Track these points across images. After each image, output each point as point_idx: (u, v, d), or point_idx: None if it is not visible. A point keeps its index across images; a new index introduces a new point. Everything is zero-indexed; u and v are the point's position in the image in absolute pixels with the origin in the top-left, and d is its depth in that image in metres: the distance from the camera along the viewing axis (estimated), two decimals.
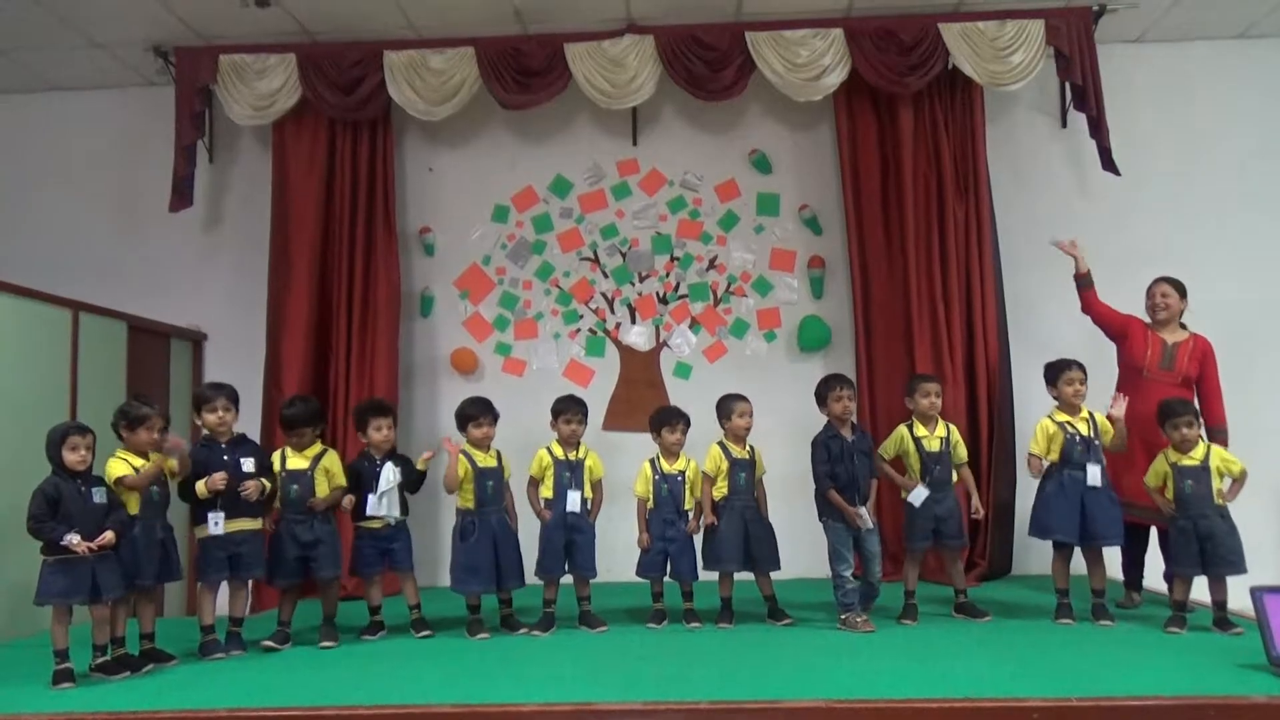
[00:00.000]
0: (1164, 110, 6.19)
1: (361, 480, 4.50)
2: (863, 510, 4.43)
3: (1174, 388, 4.76)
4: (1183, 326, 4.98)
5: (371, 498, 4.42)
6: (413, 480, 4.61)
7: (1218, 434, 4.76)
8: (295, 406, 4.58)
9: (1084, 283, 5.16)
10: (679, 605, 4.62)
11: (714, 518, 4.59)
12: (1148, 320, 5.01)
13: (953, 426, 4.75)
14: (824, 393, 4.62)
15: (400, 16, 5.80)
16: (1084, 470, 4.45)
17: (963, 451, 4.73)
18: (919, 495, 4.56)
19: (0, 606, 4.51)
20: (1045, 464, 4.54)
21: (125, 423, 3.98)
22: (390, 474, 4.46)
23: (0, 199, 6.50)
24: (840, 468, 4.48)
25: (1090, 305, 5.17)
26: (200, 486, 4.11)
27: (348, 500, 4.45)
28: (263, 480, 4.27)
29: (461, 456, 4.50)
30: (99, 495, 3.77)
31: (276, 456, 4.45)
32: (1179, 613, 4.28)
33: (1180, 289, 4.96)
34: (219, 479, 4.11)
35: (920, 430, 4.66)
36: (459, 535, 4.49)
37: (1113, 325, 5.09)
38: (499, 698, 3.35)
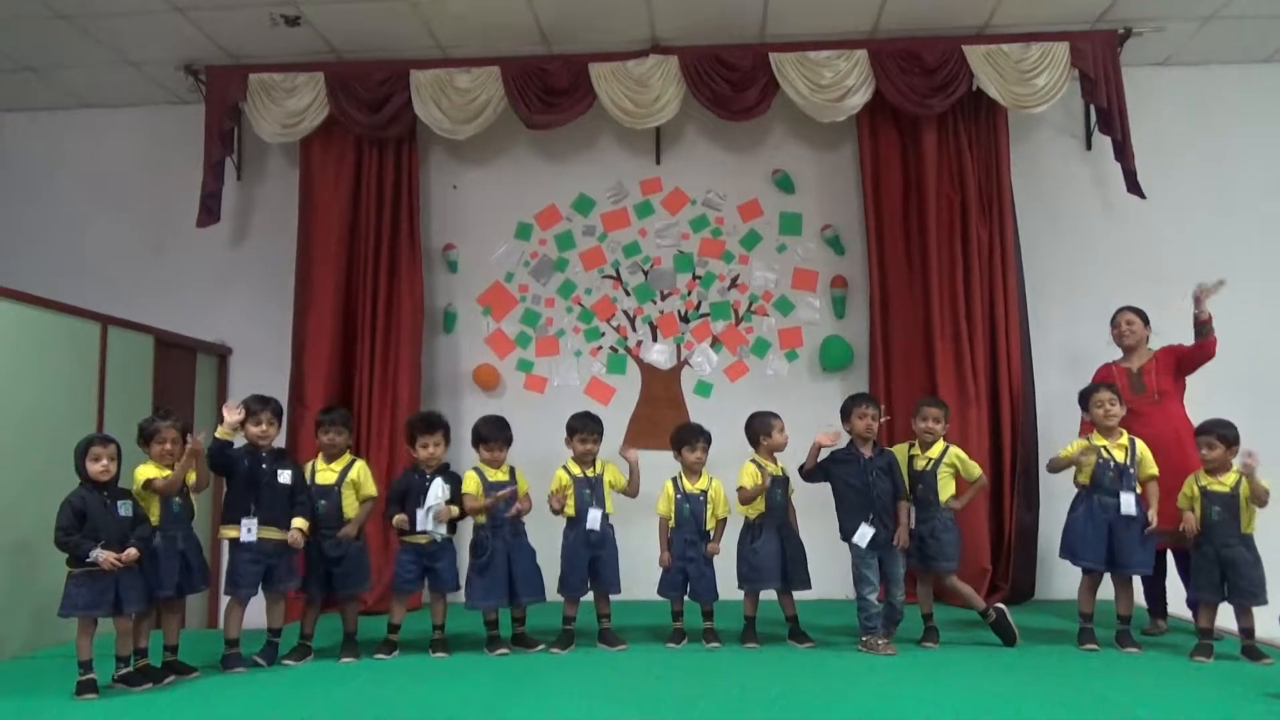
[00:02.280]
0: (1190, 134, 6.15)
1: (409, 494, 4.50)
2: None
3: (1155, 406, 4.84)
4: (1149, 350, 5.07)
5: (420, 512, 4.42)
6: (455, 511, 4.49)
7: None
8: (334, 410, 4.74)
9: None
10: (699, 625, 4.60)
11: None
12: (1115, 357, 5.10)
13: (953, 448, 4.69)
14: (848, 409, 4.63)
15: (427, 36, 5.86)
16: (1115, 497, 4.41)
17: (971, 468, 4.66)
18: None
19: (27, 617, 4.55)
20: (1076, 455, 4.48)
21: (140, 439, 4.05)
22: (439, 490, 4.44)
23: (32, 213, 6.61)
24: (853, 482, 4.47)
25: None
26: (228, 415, 4.21)
27: (398, 519, 4.46)
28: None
29: (472, 473, 4.54)
30: (125, 508, 3.81)
31: (307, 469, 4.51)
32: (1205, 640, 4.23)
33: (1144, 317, 5.07)
34: (234, 413, 4.21)
35: (915, 450, 4.69)
36: (472, 552, 4.50)
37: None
38: (518, 715, 3.36)
